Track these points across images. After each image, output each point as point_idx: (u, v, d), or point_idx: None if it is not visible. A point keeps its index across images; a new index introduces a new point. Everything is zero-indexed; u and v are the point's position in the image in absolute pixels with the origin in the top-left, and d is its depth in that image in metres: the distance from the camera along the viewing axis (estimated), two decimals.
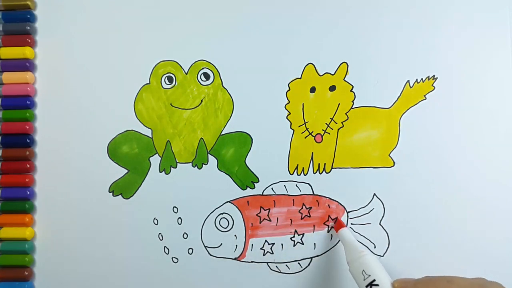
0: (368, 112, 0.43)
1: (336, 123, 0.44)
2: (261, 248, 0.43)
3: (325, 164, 0.43)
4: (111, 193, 0.44)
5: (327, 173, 0.43)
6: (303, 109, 0.44)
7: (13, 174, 0.44)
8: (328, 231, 0.43)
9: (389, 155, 0.43)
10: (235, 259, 0.44)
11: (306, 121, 0.44)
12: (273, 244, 0.44)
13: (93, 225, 0.44)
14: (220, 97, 0.44)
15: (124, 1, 0.45)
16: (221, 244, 0.44)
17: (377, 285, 0.35)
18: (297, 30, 0.44)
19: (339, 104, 0.44)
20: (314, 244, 0.43)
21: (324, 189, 0.43)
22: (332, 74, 0.44)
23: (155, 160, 0.44)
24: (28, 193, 0.44)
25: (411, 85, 0.43)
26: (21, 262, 0.43)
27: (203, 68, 0.44)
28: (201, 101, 0.44)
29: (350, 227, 0.43)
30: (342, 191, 0.43)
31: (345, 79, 0.44)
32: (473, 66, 0.43)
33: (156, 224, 0.44)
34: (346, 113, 0.43)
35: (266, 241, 0.44)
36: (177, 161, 0.44)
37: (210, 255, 0.44)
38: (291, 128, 0.44)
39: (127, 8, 0.45)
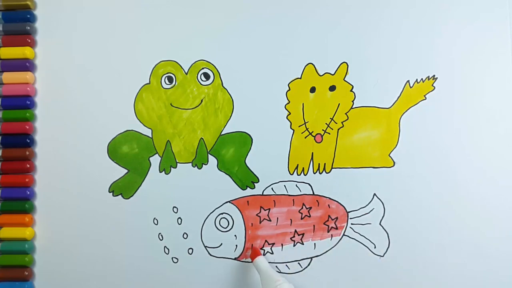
0: (368, 112, 0.43)
1: (336, 123, 0.43)
2: (261, 248, 0.43)
3: (325, 164, 0.43)
4: (111, 193, 0.44)
5: (327, 173, 0.43)
6: (303, 109, 0.44)
7: (13, 174, 0.44)
8: (329, 232, 0.43)
9: (389, 155, 0.43)
10: (235, 259, 0.44)
11: (306, 121, 0.44)
12: (273, 244, 0.44)
13: (93, 225, 0.44)
14: (220, 97, 0.44)
15: (124, 1, 0.45)
16: (221, 244, 0.44)
17: None
18: (297, 30, 0.44)
19: (339, 104, 0.44)
20: (314, 244, 0.43)
21: (324, 189, 0.43)
22: (332, 74, 0.44)
23: (155, 160, 0.44)
24: (28, 193, 0.44)
25: (411, 85, 0.43)
26: (21, 262, 0.43)
27: (203, 68, 0.44)
28: (201, 101, 0.44)
29: (350, 227, 0.43)
30: (342, 191, 0.43)
31: (345, 79, 0.44)
32: (473, 66, 0.43)
33: (156, 224, 0.44)
34: (346, 113, 0.43)
35: (266, 241, 0.44)
36: (177, 161, 0.44)
37: (210, 255, 0.44)
38: (291, 128, 0.44)
39: (127, 8, 0.45)
